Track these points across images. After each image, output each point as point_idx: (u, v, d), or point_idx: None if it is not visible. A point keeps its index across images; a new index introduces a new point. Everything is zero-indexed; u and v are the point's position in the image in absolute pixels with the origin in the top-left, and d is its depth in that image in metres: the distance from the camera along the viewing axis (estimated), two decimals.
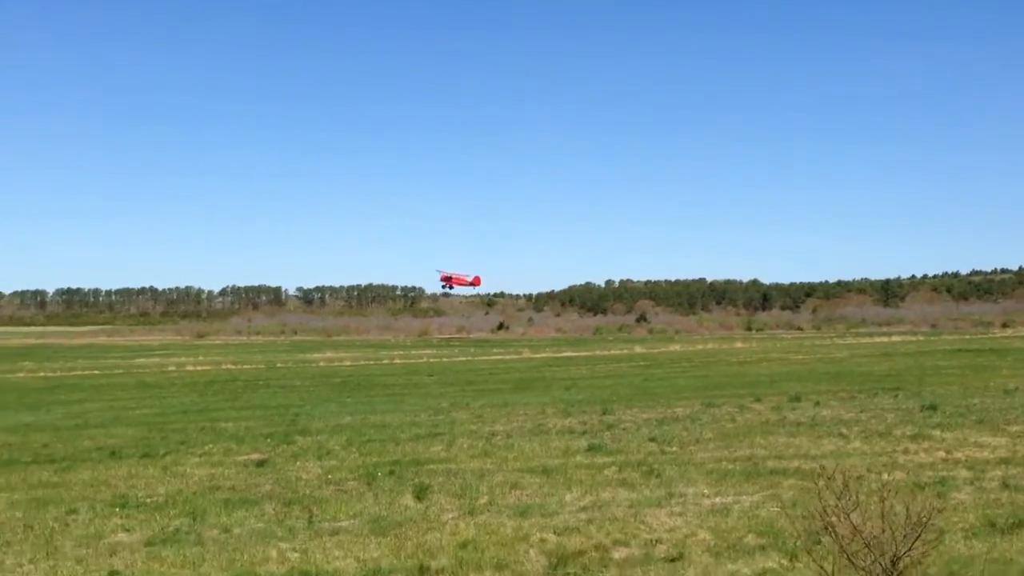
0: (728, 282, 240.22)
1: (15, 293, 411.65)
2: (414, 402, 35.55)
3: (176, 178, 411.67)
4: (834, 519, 8.66)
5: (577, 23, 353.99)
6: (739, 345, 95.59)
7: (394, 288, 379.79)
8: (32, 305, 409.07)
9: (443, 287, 58.82)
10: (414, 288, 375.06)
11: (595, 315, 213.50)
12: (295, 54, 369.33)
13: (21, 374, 62.45)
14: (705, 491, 15.10)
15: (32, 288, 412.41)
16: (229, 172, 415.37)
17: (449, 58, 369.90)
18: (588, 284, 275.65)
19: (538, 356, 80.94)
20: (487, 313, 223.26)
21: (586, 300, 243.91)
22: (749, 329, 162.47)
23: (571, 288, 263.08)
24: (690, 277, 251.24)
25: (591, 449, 20.16)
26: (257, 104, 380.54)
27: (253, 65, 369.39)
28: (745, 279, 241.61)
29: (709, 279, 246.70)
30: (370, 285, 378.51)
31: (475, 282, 58.42)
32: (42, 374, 62.40)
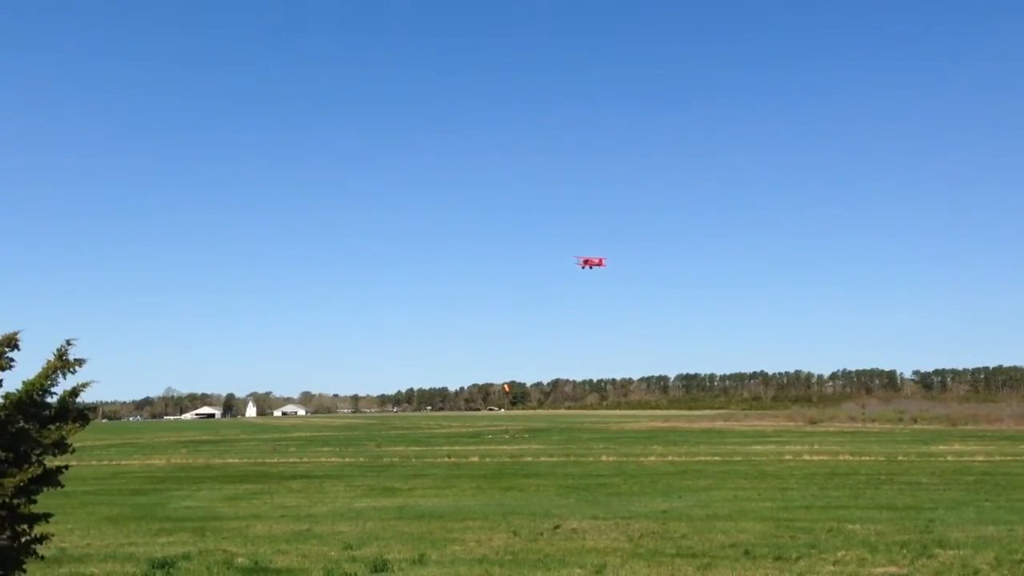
0: None
1: (642, 379, 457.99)
2: None
3: (751, 268, 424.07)
4: None
5: None
6: None
7: None
8: (656, 389, 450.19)
9: (582, 268, 73.28)
10: None
11: None
12: None
13: (652, 458, 67.92)
14: None
15: (656, 374, 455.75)
16: (798, 259, 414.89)
17: None
18: None
19: None
20: None
21: None
22: None
23: None
24: None
25: None
26: None
27: None
28: None
29: None
30: (1000, 367, 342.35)
31: (600, 263, 74.63)
32: (670, 458, 67.10)
